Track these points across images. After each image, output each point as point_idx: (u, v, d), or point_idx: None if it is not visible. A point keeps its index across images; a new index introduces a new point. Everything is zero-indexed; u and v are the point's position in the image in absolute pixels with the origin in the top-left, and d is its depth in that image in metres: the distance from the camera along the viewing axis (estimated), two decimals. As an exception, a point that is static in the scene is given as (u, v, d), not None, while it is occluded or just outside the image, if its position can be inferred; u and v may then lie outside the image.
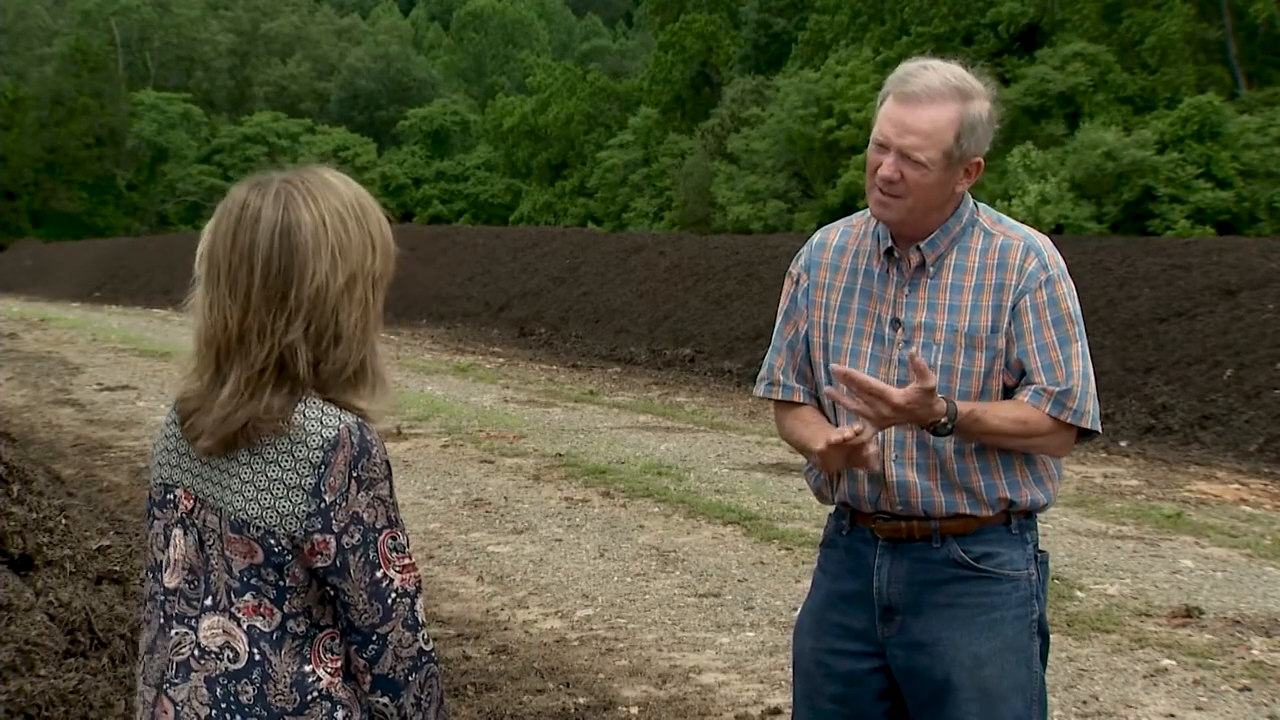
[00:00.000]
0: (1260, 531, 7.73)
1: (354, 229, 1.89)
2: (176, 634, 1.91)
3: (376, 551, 1.87)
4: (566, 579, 6.74)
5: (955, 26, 39.97)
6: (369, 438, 1.87)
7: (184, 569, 1.92)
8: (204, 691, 1.87)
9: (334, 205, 1.89)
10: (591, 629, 5.93)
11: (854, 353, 2.70)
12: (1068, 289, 2.63)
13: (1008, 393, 2.64)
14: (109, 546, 5.19)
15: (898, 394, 2.47)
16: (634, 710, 4.91)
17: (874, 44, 42.30)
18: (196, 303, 1.91)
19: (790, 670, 2.91)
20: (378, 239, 1.92)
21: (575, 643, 5.73)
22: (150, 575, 1.99)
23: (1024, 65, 36.29)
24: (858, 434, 2.50)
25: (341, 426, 1.86)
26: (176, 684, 1.90)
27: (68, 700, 3.77)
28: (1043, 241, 2.66)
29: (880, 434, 2.58)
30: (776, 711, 4.84)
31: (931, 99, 2.55)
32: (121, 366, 16.86)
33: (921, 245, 2.65)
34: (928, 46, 35.91)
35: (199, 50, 74.12)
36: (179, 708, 1.89)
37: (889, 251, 2.69)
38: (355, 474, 1.85)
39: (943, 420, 2.52)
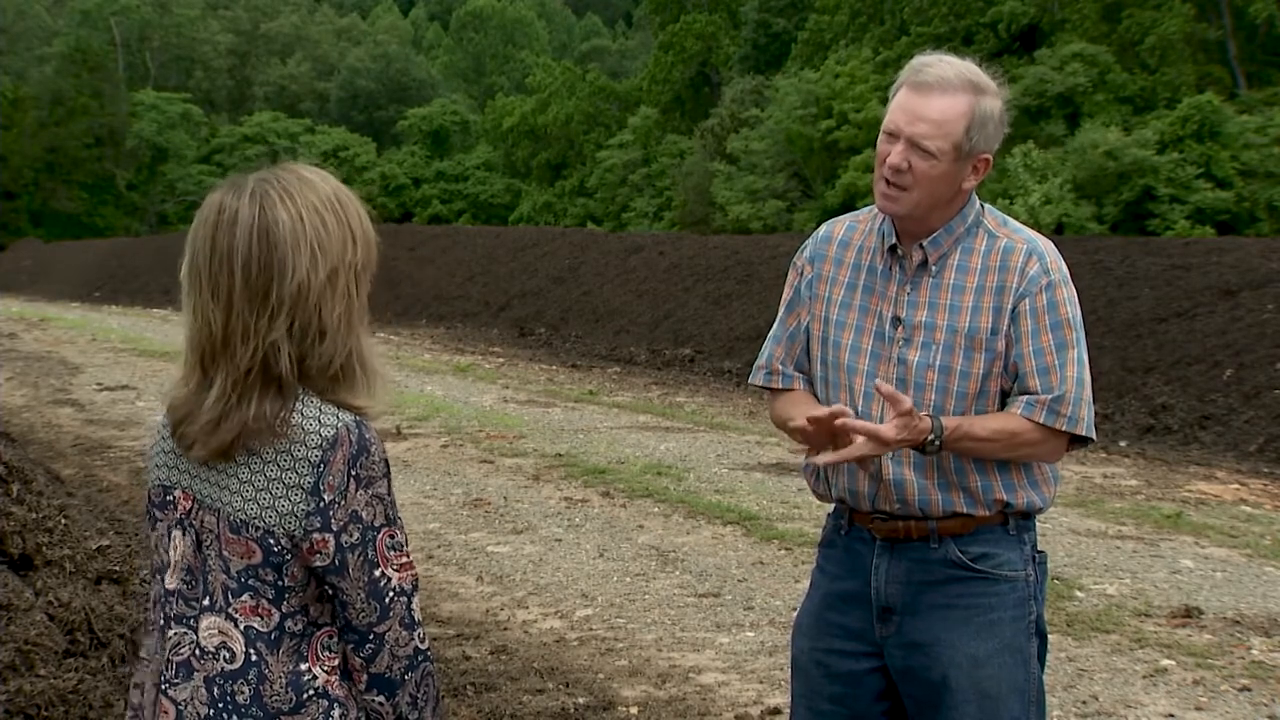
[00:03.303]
0: (1260, 531, 7.73)
1: (332, 223, 1.88)
2: (175, 634, 1.91)
3: (375, 550, 1.86)
4: (566, 579, 6.74)
5: (955, 26, 39.98)
6: (368, 436, 1.87)
7: (182, 570, 1.92)
8: (203, 692, 1.88)
9: (311, 201, 1.88)
10: (591, 629, 5.93)
11: (854, 348, 2.70)
12: (1068, 295, 2.63)
13: (1004, 396, 2.65)
14: (109, 546, 5.18)
15: (887, 430, 2.50)
16: (634, 710, 4.91)
17: (873, 44, 42.33)
18: (184, 309, 1.91)
19: (789, 670, 2.91)
20: (358, 231, 1.91)
21: (575, 643, 5.73)
22: (155, 578, 1.99)
23: (1023, 65, 36.28)
24: (833, 415, 2.52)
25: (340, 425, 1.86)
26: (178, 684, 1.90)
27: (67, 700, 3.77)
28: (1046, 246, 2.66)
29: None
30: (776, 711, 4.84)
31: (944, 89, 2.55)
32: (121, 366, 16.86)
33: (924, 243, 2.65)
34: (927, 47, 35.55)
35: (199, 50, 74.16)
36: (181, 707, 1.89)
37: (892, 249, 2.69)
38: (354, 472, 1.85)
39: (929, 438, 2.54)
